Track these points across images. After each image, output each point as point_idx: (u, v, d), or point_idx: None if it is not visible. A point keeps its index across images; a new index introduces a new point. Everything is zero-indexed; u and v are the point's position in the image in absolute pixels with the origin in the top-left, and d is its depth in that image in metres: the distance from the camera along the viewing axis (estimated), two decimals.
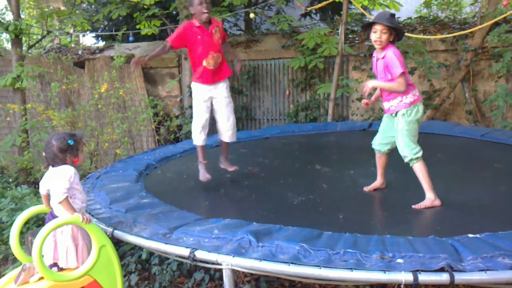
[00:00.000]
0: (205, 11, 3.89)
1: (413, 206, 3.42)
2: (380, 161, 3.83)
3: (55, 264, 2.84)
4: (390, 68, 3.36)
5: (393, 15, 3.39)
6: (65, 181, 2.78)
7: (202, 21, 3.97)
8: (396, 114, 3.50)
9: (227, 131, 4.27)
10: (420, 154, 3.43)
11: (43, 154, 2.91)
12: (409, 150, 3.43)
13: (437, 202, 3.40)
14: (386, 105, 3.56)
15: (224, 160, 4.46)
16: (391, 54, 3.36)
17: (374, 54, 3.56)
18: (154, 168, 4.88)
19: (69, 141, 2.84)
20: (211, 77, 4.09)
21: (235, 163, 4.55)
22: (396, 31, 3.39)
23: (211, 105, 4.19)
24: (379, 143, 3.76)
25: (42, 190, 2.98)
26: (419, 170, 3.44)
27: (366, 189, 3.88)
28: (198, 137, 4.23)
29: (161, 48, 4.07)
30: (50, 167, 2.89)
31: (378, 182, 3.88)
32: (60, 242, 2.85)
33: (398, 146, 3.51)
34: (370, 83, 3.46)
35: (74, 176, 2.85)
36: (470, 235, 2.67)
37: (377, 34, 3.35)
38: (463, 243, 2.53)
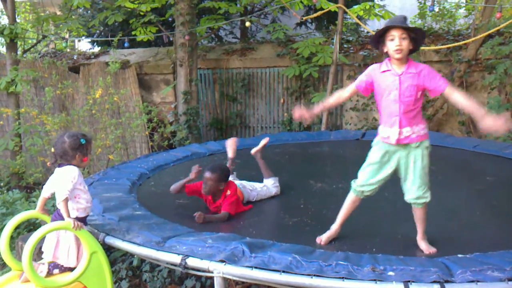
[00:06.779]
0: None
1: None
2: (353, 206, 3.09)
3: (54, 263, 2.85)
4: (433, 81, 2.74)
5: (406, 18, 2.77)
6: (68, 182, 2.78)
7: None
8: (411, 145, 2.84)
9: None
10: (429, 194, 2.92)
11: (52, 150, 2.92)
12: (425, 191, 2.88)
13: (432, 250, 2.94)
14: (405, 131, 2.81)
15: None
16: (428, 67, 2.80)
17: (386, 68, 2.83)
18: (147, 178, 4.82)
19: (81, 140, 2.88)
20: None
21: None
22: (416, 36, 2.75)
23: None
24: (370, 184, 2.96)
25: (45, 193, 2.97)
26: (424, 213, 2.95)
27: (318, 240, 3.10)
28: None
29: None
30: (56, 168, 2.90)
31: (334, 231, 3.13)
32: (62, 241, 2.86)
33: (413, 186, 2.87)
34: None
35: (77, 177, 2.85)
36: (460, 255, 2.65)
37: (396, 41, 2.71)
38: (453, 260, 2.53)
